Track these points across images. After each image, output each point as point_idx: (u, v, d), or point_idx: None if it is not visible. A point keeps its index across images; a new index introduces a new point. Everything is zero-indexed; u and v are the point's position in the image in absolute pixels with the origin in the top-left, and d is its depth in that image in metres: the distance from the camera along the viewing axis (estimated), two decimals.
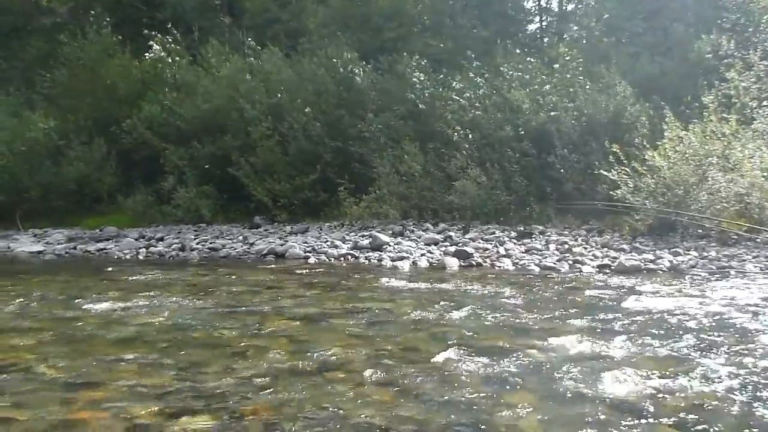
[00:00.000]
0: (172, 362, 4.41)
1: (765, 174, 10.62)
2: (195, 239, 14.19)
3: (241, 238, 14.13)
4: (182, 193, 17.50)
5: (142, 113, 19.14)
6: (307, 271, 9.75)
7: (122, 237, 15.35)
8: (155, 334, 5.30)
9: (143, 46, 22.23)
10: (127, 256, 12.90)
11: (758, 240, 9.98)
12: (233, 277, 9.13)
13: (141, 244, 14.06)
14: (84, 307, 6.66)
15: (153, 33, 22.24)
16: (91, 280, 9.24)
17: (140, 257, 12.81)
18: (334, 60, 17.94)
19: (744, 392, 3.49)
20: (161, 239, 14.73)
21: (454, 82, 16.60)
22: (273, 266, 10.63)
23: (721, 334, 4.82)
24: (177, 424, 3.23)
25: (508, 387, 3.72)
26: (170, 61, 21.38)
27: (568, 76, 15.09)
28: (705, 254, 9.30)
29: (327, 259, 11.01)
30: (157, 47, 21.66)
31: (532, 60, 16.82)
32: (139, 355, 4.64)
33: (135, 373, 4.18)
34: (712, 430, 2.99)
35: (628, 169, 11.07)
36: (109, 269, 10.70)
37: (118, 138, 19.31)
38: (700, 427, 3.03)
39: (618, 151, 11.21)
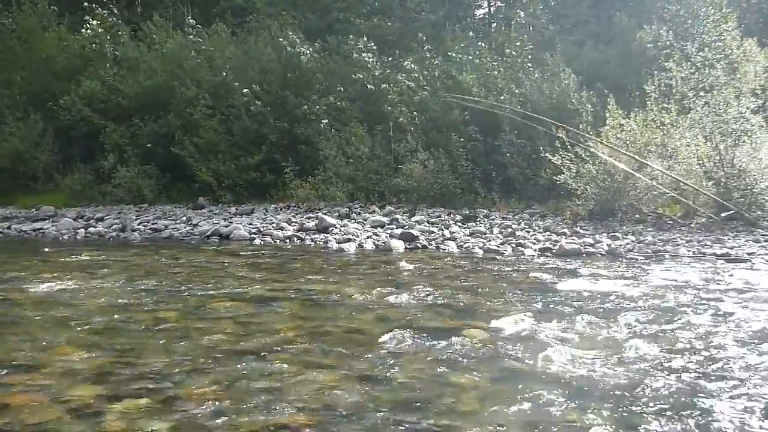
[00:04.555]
0: (111, 345, 4.32)
1: (699, 162, 10.97)
2: (136, 220, 13.88)
3: (184, 219, 13.89)
4: (123, 172, 17.10)
5: (81, 89, 18.58)
6: (252, 252, 9.67)
7: (60, 217, 14.89)
8: (94, 317, 5.18)
9: (83, 20, 21.49)
10: (65, 237, 12.54)
11: (691, 225, 10.33)
12: (176, 258, 8.98)
13: (80, 225, 13.68)
14: (20, 288, 6.47)
15: (93, 6, 21.50)
16: (27, 261, 8.94)
17: (79, 238, 12.47)
18: (281, 39, 17.72)
19: (674, 372, 3.63)
20: (101, 219, 14.36)
21: (406, 63, 16.62)
22: (217, 248, 10.49)
23: (655, 315, 4.99)
24: (116, 407, 3.17)
25: (450, 367, 3.77)
26: (109, 37, 20.73)
27: (518, 61, 15.27)
28: (642, 239, 9.57)
29: (273, 241, 10.93)
30: (94, 22, 20.93)
31: (482, 44, 16.96)
32: (78, 337, 4.53)
33: (73, 355, 4.08)
34: (644, 407, 3.10)
35: (571, 155, 11.28)
36: (46, 250, 10.41)
37: (56, 114, 18.70)
38: (633, 405, 3.13)
39: (563, 136, 11.40)
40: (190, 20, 20.76)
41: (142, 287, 6.52)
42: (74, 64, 20.07)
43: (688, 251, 8.59)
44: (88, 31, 20.98)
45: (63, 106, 18.42)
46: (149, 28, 20.30)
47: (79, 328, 4.78)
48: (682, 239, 9.43)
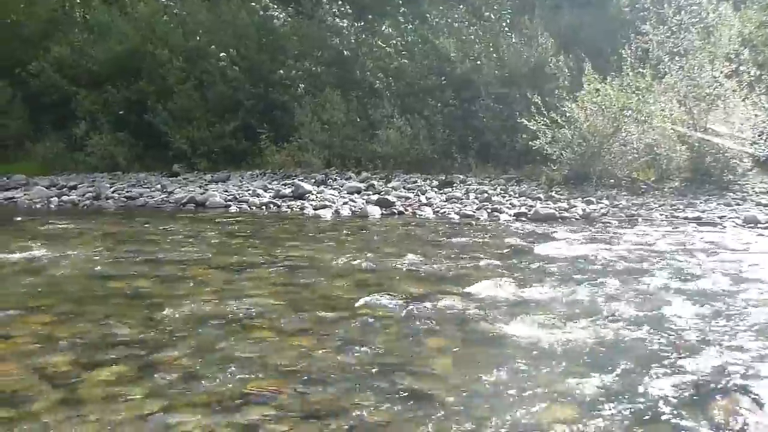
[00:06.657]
0: (86, 313, 4.30)
1: (674, 126, 11.05)
2: (110, 188, 13.76)
3: (159, 186, 13.79)
4: (96, 139, 16.86)
5: (50, 55, 18.17)
6: (228, 219, 9.64)
7: (32, 185, 14.69)
8: (69, 285, 5.14)
9: None
10: (38, 205, 12.39)
11: (665, 189, 10.45)
12: (151, 226, 8.92)
13: (52, 193, 13.51)
14: None
15: None
16: None
17: (52, 206, 12.32)
18: (252, 3, 17.42)
19: (646, 333, 3.69)
20: (74, 188, 14.19)
21: (384, 27, 16.43)
22: (193, 215, 10.44)
23: (628, 279, 5.06)
24: (91, 375, 3.16)
25: (425, 332, 3.81)
26: (78, 1, 20.23)
27: (496, 24, 15.15)
28: (616, 203, 9.69)
29: (249, 208, 10.90)
30: None
31: (460, 7, 16.77)
32: (52, 305, 4.49)
33: (47, 324, 4.04)
34: (618, 370, 3.15)
35: (547, 120, 11.30)
36: (19, 219, 10.28)
37: (25, 80, 18.30)
38: (606, 367, 3.18)
39: (539, 101, 11.40)
40: None
41: (118, 255, 6.47)
42: (43, 30, 19.60)
43: (661, 215, 8.72)
44: None
45: (32, 73, 18.03)
46: None
47: (54, 296, 4.74)
48: (655, 203, 9.56)
